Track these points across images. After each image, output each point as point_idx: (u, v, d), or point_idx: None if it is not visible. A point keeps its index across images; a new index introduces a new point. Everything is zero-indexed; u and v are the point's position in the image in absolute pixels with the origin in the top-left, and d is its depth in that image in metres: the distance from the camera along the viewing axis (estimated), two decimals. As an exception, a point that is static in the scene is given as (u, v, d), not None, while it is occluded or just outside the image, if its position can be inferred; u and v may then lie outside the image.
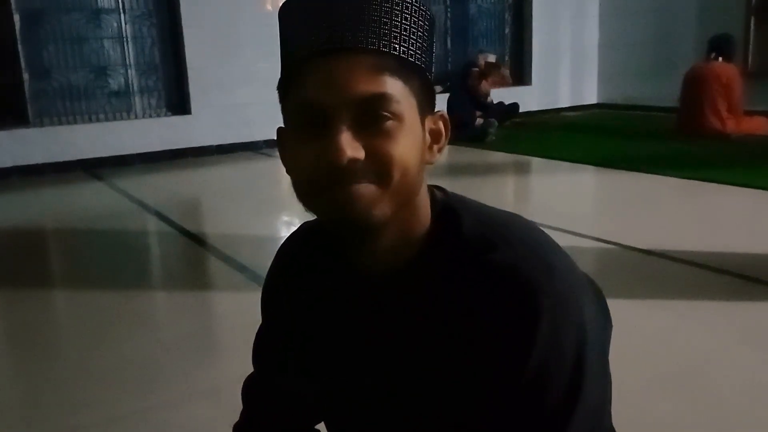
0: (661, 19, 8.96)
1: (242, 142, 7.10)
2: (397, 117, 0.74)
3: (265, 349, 1.03)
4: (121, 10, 6.64)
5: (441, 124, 0.83)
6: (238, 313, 2.82)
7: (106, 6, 6.59)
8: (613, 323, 0.88)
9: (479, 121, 7.09)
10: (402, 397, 0.84)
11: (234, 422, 1.06)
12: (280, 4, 0.78)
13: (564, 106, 9.55)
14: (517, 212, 0.87)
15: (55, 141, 6.28)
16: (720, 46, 6.59)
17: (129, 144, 6.60)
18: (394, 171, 0.74)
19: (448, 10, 8.65)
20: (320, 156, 0.72)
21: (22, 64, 6.21)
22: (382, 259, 0.82)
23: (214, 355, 2.59)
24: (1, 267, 3.78)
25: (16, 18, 6.14)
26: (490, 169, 6.11)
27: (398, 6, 0.74)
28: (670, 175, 5.06)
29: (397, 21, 0.74)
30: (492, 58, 7.81)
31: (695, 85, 6.61)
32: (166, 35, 6.86)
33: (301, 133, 0.75)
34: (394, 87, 0.73)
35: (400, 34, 0.74)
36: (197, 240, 4.09)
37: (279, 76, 0.80)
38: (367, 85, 0.72)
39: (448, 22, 8.66)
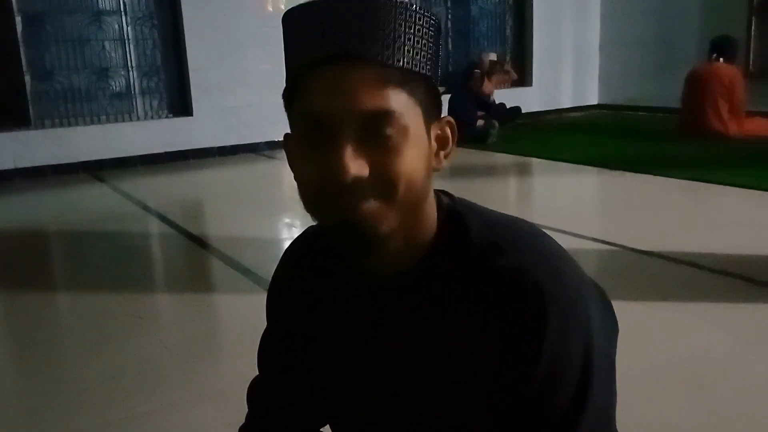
0: (662, 19, 8.96)
1: (244, 144, 7.11)
2: (402, 130, 0.73)
3: (271, 352, 1.03)
4: (123, 12, 6.64)
5: (447, 130, 0.83)
6: (241, 316, 2.82)
7: (108, 8, 6.59)
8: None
9: (481, 122, 7.09)
10: (407, 401, 0.84)
11: (237, 425, 1.07)
12: (284, 11, 0.78)
13: (565, 106, 9.55)
14: (518, 213, 0.87)
15: (56, 143, 6.28)
16: (722, 47, 6.59)
17: (131, 146, 6.60)
18: (400, 186, 0.73)
19: (449, 11, 8.66)
20: (324, 171, 0.72)
21: (24, 66, 6.21)
22: (388, 264, 0.82)
23: (218, 357, 2.59)
24: (2, 269, 3.79)
25: (18, 20, 6.14)
26: (491, 170, 6.11)
27: (401, 15, 0.74)
28: (672, 176, 5.05)
29: (401, 31, 0.73)
30: (493, 56, 7.82)
31: (697, 86, 6.61)
32: (167, 37, 6.87)
33: (305, 143, 0.75)
34: (398, 100, 0.73)
35: (404, 44, 0.74)
36: (199, 242, 4.09)
37: (281, 78, 0.79)
38: (371, 100, 0.71)
39: (449, 23, 8.67)
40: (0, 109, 6.20)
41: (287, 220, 4.65)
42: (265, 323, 1.04)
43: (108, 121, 6.66)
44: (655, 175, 5.18)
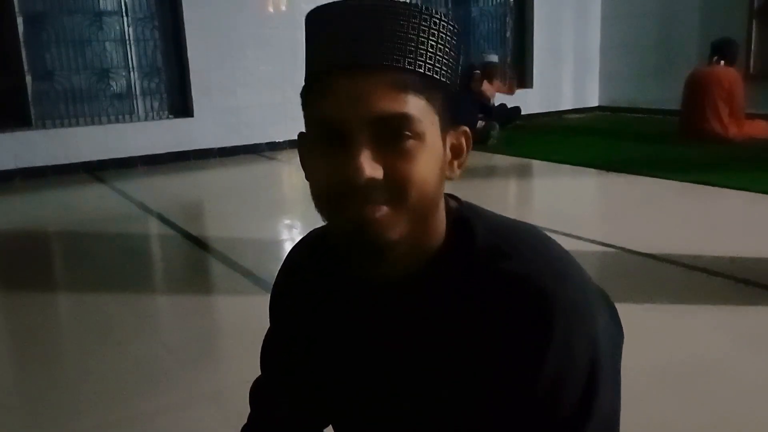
0: (663, 22, 8.96)
1: (244, 145, 7.11)
2: (418, 136, 0.73)
3: (273, 353, 1.03)
4: (124, 13, 6.65)
5: (463, 140, 0.82)
6: (241, 317, 2.82)
7: (109, 9, 6.60)
8: None
9: (481, 123, 7.10)
10: (411, 404, 0.84)
11: (239, 426, 1.07)
12: (309, 11, 0.77)
13: (565, 108, 9.56)
14: (517, 216, 0.87)
15: (57, 143, 6.29)
16: (722, 49, 6.59)
17: (131, 146, 6.61)
18: (412, 192, 0.73)
19: (450, 13, 8.67)
20: (338, 172, 0.72)
21: (25, 67, 6.22)
22: (394, 268, 0.81)
23: (218, 358, 2.59)
24: (2, 269, 3.79)
25: (19, 20, 6.15)
26: (491, 172, 6.11)
27: (425, 21, 0.73)
28: (672, 179, 5.06)
29: (423, 37, 0.73)
30: (494, 58, 7.82)
31: (697, 89, 6.61)
32: (168, 38, 6.88)
33: (321, 144, 0.75)
34: (416, 106, 0.72)
35: (426, 50, 0.73)
36: (200, 243, 4.09)
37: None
38: (388, 104, 0.71)
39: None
40: (1, 110, 6.20)
41: (288, 221, 4.65)
42: (266, 324, 1.04)
43: (109, 121, 6.66)
44: (654, 177, 5.18)
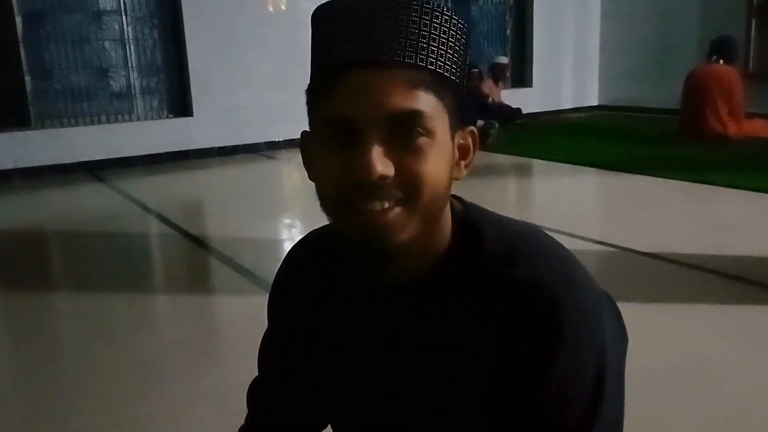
0: (662, 20, 8.96)
1: (244, 144, 7.11)
2: (430, 134, 0.72)
3: (272, 354, 1.02)
4: (123, 12, 6.65)
5: (470, 140, 0.82)
6: (240, 316, 2.82)
7: (108, 8, 6.59)
8: None
9: (480, 122, 7.10)
10: (415, 408, 0.84)
11: (237, 426, 1.06)
12: (316, 8, 0.76)
13: (565, 107, 9.56)
14: (517, 215, 0.87)
15: (56, 143, 6.28)
16: (721, 48, 6.59)
17: (130, 146, 6.60)
18: (424, 190, 0.72)
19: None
20: (349, 169, 0.71)
21: (24, 66, 6.22)
22: (399, 271, 0.80)
23: (217, 358, 2.59)
24: (1, 269, 3.79)
25: (18, 19, 6.15)
26: (491, 171, 6.10)
27: (437, 19, 0.72)
28: (671, 178, 5.06)
29: (435, 34, 0.72)
30: (504, 60, 7.84)
31: (696, 88, 6.61)
32: (168, 37, 6.87)
33: (329, 142, 0.73)
34: (428, 103, 0.71)
35: (438, 48, 0.72)
36: (199, 242, 4.09)
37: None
38: (401, 101, 0.70)
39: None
40: (0, 109, 6.20)
41: (287, 221, 4.65)
42: (264, 324, 1.03)
43: (108, 121, 6.66)
44: (654, 176, 5.18)
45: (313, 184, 0.78)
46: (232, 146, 7.06)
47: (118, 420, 2.06)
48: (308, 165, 0.80)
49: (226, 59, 6.94)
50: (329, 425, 1.01)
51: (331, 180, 0.73)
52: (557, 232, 3.24)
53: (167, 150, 6.75)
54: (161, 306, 3.17)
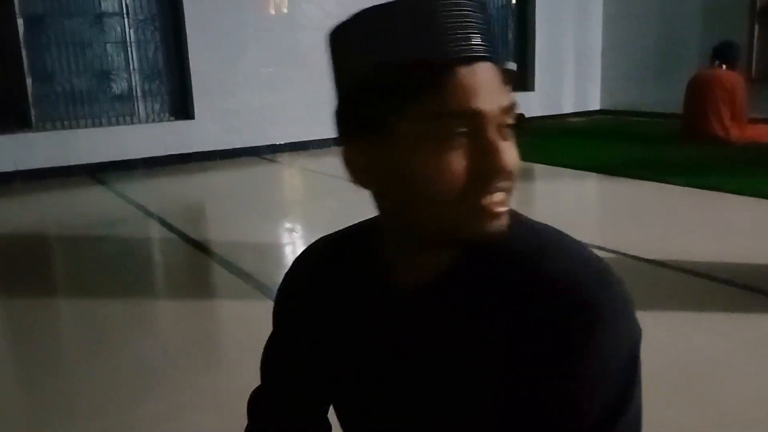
0: (664, 24, 8.96)
1: (245, 147, 7.11)
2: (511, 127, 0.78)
3: (276, 361, 1.01)
4: (125, 15, 6.65)
5: None
6: (242, 321, 2.81)
7: (110, 10, 6.60)
8: None
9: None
10: (430, 412, 0.82)
11: (238, 431, 1.05)
12: (382, 3, 0.73)
13: (567, 111, 9.55)
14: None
15: (58, 145, 6.29)
16: (724, 53, 6.59)
17: (132, 149, 6.61)
18: (515, 179, 0.77)
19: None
20: (483, 162, 0.73)
21: (26, 68, 6.22)
22: (426, 269, 0.80)
23: (218, 363, 2.58)
24: (2, 272, 3.78)
25: (20, 22, 6.16)
26: (493, 175, 6.10)
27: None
28: (674, 183, 5.05)
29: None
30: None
31: (699, 92, 6.61)
32: (169, 40, 6.88)
33: (441, 139, 0.72)
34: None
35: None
36: (200, 246, 4.08)
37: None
38: (505, 95, 0.75)
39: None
40: (1, 111, 6.20)
41: (289, 225, 4.64)
42: (267, 328, 1.02)
43: (109, 123, 6.66)
44: (656, 181, 5.17)
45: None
46: (234, 149, 7.06)
47: (116, 424, 2.05)
48: (368, 168, 0.77)
49: (227, 62, 6.95)
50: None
51: (454, 172, 0.73)
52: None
53: (168, 153, 6.75)
54: (162, 310, 3.15)
